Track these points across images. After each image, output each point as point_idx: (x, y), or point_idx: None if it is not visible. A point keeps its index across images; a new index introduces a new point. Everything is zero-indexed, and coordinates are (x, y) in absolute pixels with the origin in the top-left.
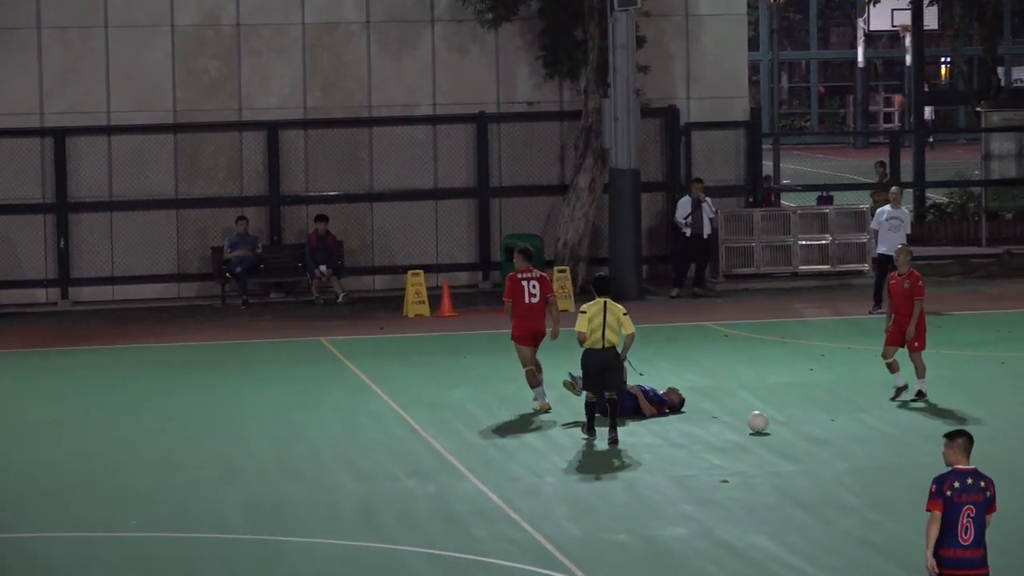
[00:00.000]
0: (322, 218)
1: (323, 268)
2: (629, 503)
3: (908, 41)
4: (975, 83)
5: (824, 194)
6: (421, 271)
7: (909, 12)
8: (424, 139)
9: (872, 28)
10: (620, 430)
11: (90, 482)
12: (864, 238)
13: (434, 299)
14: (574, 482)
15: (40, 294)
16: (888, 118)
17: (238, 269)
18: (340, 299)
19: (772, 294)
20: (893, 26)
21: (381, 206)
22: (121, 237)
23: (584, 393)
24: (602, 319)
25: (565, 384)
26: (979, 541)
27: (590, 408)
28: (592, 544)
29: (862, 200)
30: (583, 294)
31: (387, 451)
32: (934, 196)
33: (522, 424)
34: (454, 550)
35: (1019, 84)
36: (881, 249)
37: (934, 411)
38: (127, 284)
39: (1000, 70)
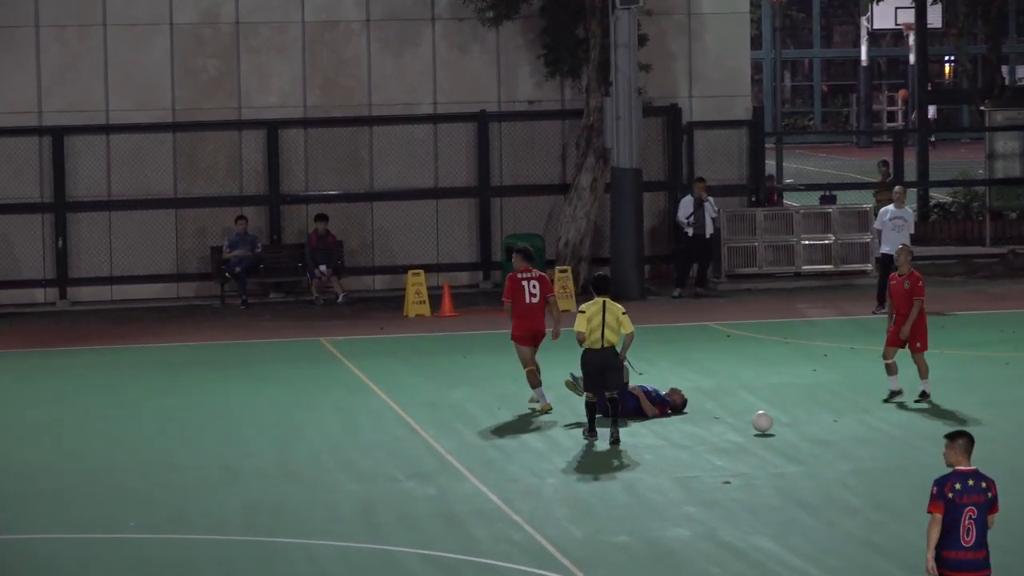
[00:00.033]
0: (322, 217)
1: (323, 268)
2: (630, 504)
3: (912, 39)
4: (979, 82)
5: (827, 193)
6: (421, 271)
7: (913, 10)
8: (425, 138)
9: (875, 26)
10: (622, 431)
11: (89, 483)
12: (867, 238)
13: (435, 299)
14: (575, 483)
15: (38, 294)
16: (892, 117)
17: (237, 269)
18: (340, 299)
19: (775, 294)
20: (897, 24)
21: (381, 205)
22: (120, 237)
23: (585, 393)
24: (601, 319)
25: (567, 384)
26: (981, 542)
27: (590, 408)
28: (593, 545)
29: (865, 200)
30: (584, 294)
31: (387, 452)
32: (938, 196)
33: (522, 425)
34: (454, 551)
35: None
36: (884, 249)
37: (937, 412)
38: (126, 284)
39: (1004, 69)
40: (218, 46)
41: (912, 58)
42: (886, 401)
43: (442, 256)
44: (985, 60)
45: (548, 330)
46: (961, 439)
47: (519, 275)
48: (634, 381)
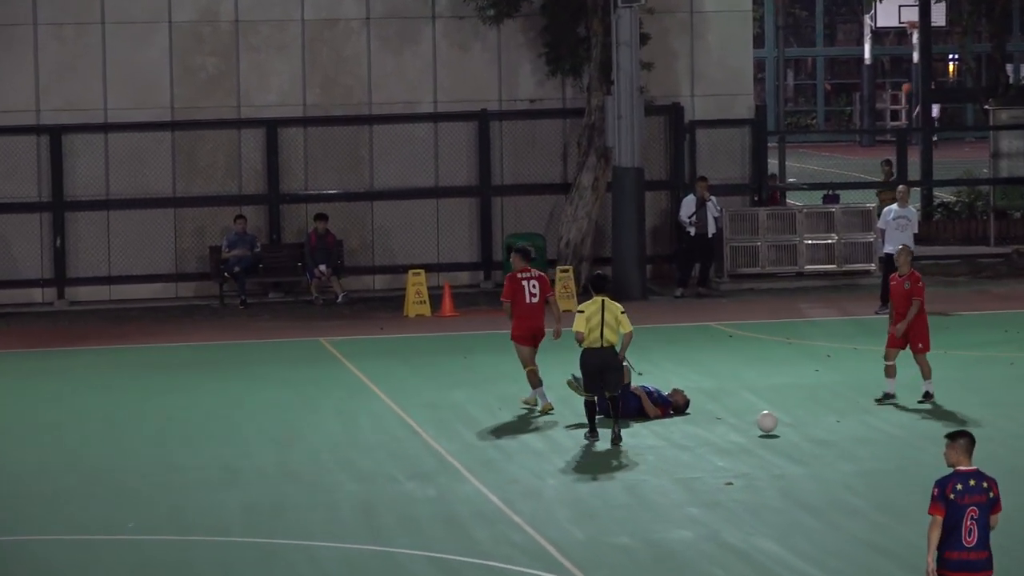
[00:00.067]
0: (321, 217)
1: (322, 268)
2: (632, 505)
3: (915, 38)
4: (983, 80)
5: (830, 193)
6: (422, 271)
7: (916, 8)
8: (425, 137)
9: (879, 25)
10: (623, 431)
11: (88, 483)
12: (871, 237)
13: (435, 299)
14: (576, 484)
15: (36, 294)
16: (895, 116)
17: (236, 269)
18: (340, 299)
19: (777, 294)
20: (900, 23)
21: (381, 205)
22: (118, 236)
23: (584, 393)
24: (600, 318)
25: (569, 384)
26: (983, 543)
27: (590, 408)
28: (594, 547)
29: (869, 199)
30: (586, 294)
31: (387, 453)
32: (941, 195)
33: (523, 425)
34: (454, 553)
35: None
36: (888, 248)
37: (940, 413)
38: (124, 284)
39: (1009, 67)
40: (217, 44)
41: (916, 56)
42: (878, 401)
43: (442, 256)
44: (989, 58)
45: (548, 330)
46: (962, 439)
47: (518, 275)
48: (635, 381)
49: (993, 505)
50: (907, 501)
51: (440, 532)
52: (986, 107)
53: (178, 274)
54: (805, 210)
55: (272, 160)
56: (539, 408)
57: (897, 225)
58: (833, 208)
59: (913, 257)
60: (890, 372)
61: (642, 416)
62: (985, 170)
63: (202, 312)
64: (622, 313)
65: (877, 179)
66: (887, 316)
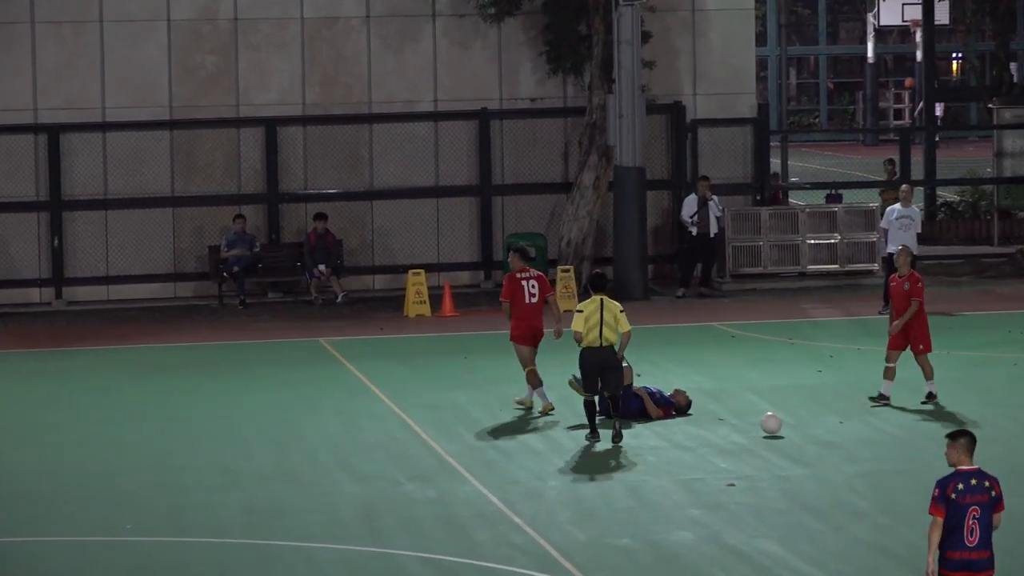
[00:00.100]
0: (321, 216)
1: (322, 267)
2: (633, 507)
3: (919, 36)
4: (987, 79)
5: (833, 192)
6: (422, 270)
7: (920, 7)
8: (425, 136)
9: (882, 23)
10: (625, 432)
11: (85, 485)
12: (874, 237)
13: (435, 299)
14: (577, 485)
15: (34, 294)
16: (898, 115)
17: (235, 268)
18: (339, 299)
19: (780, 294)
20: (903, 21)
21: (381, 204)
22: (116, 236)
23: (584, 393)
24: (599, 317)
25: (570, 384)
26: (986, 542)
27: (590, 409)
28: (596, 549)
29: (871, 198)
30: (587, 294)
31: (387, 454)
32: (945, 194)
33: (523, 426)
34: (454, 555)
35: None
36: (891, 248)
37: (944, 413)
38: (122, 284)
39: (1013, 65)
40: (216, 42)
41: (919, 55)
42: (871, 400)
43: (443, 255)
44: (993, 57)
45: (548, 330)
46: (963, 438)
47: (517, 275)
48: (636, 382)
49: (996, 504)
50: (911, 502)
51: (440, 533)
52: (990, 106)
53: (177, 274)
54: (808, 210)
55: (271, 159)
56: (539, 408)
57: (900, 225)
58: (836, 208)
59: (913, 257)
60: (889, 374)
61: (644, 417)
62: (989, 169)
63: (201, 312)
64: (621, 312)
65: (880, 178)
66: (889, 316)
